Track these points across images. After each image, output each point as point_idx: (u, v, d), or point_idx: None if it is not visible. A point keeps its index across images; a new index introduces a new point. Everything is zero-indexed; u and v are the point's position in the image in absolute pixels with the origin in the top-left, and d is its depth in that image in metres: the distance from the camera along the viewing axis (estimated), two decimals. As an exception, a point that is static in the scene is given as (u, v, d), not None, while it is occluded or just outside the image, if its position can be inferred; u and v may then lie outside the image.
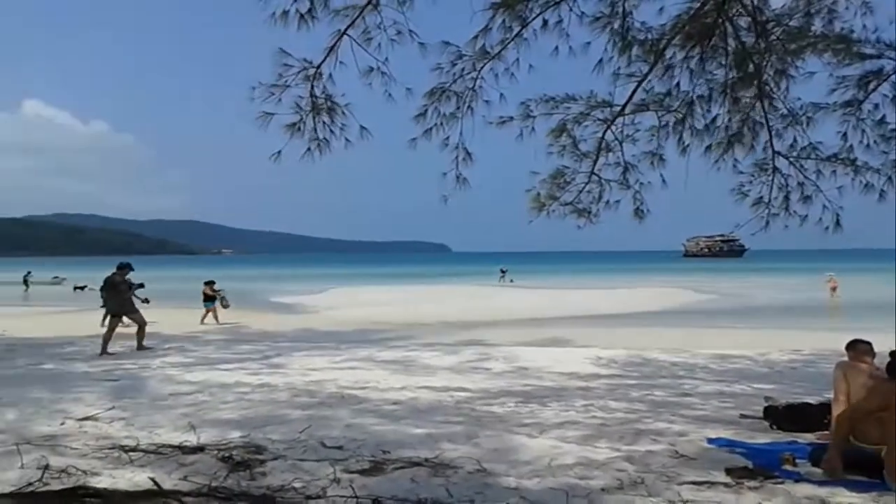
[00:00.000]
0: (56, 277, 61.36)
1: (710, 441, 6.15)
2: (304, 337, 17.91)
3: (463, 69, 7.75)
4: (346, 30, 6.69)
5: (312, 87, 7.11)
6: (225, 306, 22.78)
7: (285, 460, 5.41)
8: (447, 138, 7.95)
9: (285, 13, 6.45)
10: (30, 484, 4.70)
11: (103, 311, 20.32)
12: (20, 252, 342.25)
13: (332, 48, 6.80)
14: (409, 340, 16.60)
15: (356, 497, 4.45)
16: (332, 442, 6.07)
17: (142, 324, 14.19)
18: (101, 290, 14.98)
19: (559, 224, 8.86)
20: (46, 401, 8.23)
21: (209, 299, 22.45)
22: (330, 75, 7.13)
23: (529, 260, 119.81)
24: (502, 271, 61.32)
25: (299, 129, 7.24)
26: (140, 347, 13.84)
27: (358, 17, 6.64)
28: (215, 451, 5.68)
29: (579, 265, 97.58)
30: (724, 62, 7.60)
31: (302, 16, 6.48)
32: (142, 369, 10.95)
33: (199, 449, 5.78)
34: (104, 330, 14.09)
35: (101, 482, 4.78)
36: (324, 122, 7.34)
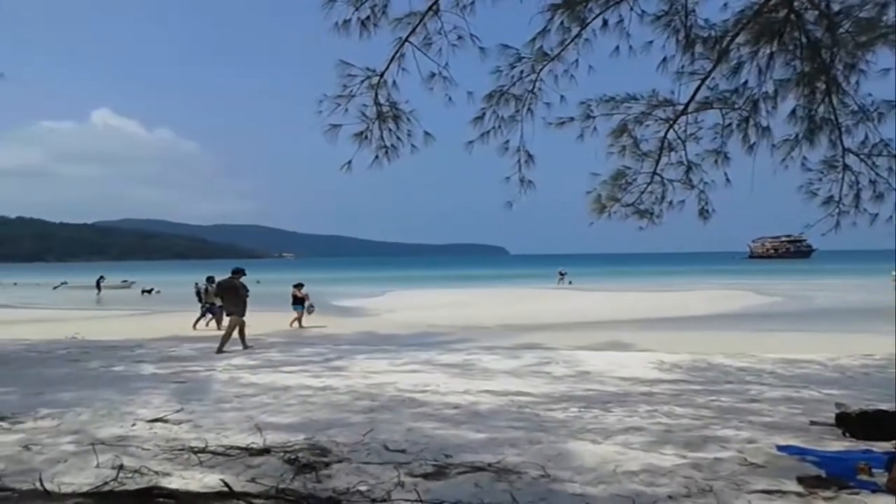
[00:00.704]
0: (125, 281, 63.34)
1: (780, 448, 5.97)
2: (364, 340, 18.06)
3: (522, 72, 7.71)
4: (407, 37, 6.75)
5: (377, 95, 7.18)
6: (310, 311, 22.36)
7: (349, 463, 5.47)
8: (507, 142, 7.92)
9: (346, 22, 6.53)
10: (105, 483, 4.86)
11: (198, 313, 20.80)
12: (93, 257, 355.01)
13: (394, 56, 6.86)
14: (468, 344, 16.59)
15: (421, 501, 4.47)
16: (395, 445, 6.11)
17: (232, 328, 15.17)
18: (217, 293, 16.83)
19: (619, 225, 8.73)
20: (118, 402, 8.52)
21: (298, 302, 22.14)
22: (393, 82, 7.19)
23: (588, 262, 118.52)
24: (561, 273, 60.80)
25: (366, 137, 7.31)
26: (222, 349, 14.52)
27: (419, 23, 6.68)
28: (281, 453, 5.77)
29: (640, 267, 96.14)
30: (792, 57, 7.38)
31: (363, 24, 6.55)
32: (207, 371, 11.20)
33: (266, 451, 5.88)
34: (192, 331, 16.64)
35: (173, 483, 4.90)
36: (389, 129, 7.40)
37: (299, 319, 21.77)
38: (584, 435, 6.56)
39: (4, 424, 7.16)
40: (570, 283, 56.81)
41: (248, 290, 15.80)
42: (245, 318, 15.30)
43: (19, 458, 5.78)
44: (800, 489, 4.79)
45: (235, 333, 14.82)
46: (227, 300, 15.80)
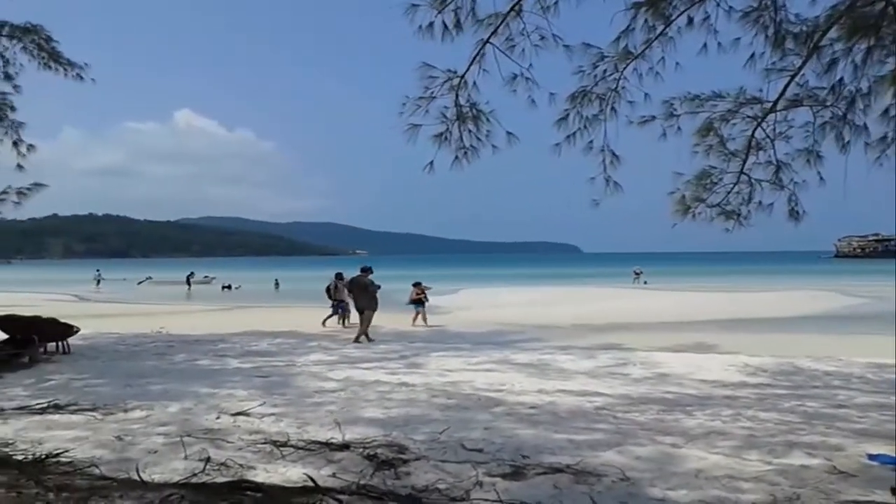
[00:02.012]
0: (206, 277, 65.34)
1: (871, 457, 5.74)
2: (438, 338, 18.15)
3: (605, 71, 7.60)
4: (489, 38, 6.75)
5: (457, 96, 7.21)
6: (426, 299, 22.08)
7: (427, 461, 5.51)
8: (591, 141, 7.82)
9: (431, 25, 6.58)
10: (194, 475, 5.02)
11: (330, 310, 20.89)
12: (175, 253, 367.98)
13: (475, 57, 6.87)
14: (542, 343, 16.48)
15: (501, 501, 4.47)
16: (472, 444, 6.13)
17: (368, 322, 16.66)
18: (348, 290, 17.96)
19: (697, 224, 8.52)
20: (203, 395, 8.80)
21: (417, 301, 21.96)
22: (474, 84, 7.21)
23: (664, 260, 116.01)
24: (636, 272, 59.79)
25: (446, 138, 7.35)
26: (358, 340, 16.11)
27: (501, 24, 6.67)
28: (361, 449, 5.86)
29: (718, 266, 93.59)
30: (888, 52, 7.06)
31: (446, 27, 6.59)
32: (288, 367, 11.45)
33: (346, 446, 5.98)
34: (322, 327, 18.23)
35: (257, 476, 5.04)
36: (469, 131, 7.42)
37: (423, 317, 21.64)
38: (664, 438, 6.45)
39: (98, 415, 7.49)
40: (645, 282, 55.84)
41: (376, 287, 17.00)
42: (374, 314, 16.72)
43: (113, 448, 6.03)
44: (894, 500, 4.60)
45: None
46: (358, 296, 17.00)
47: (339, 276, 21.06)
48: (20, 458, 5.55)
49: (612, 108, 7.76)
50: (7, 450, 5.85)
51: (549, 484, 4.91)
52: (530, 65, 7.07)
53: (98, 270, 71.84)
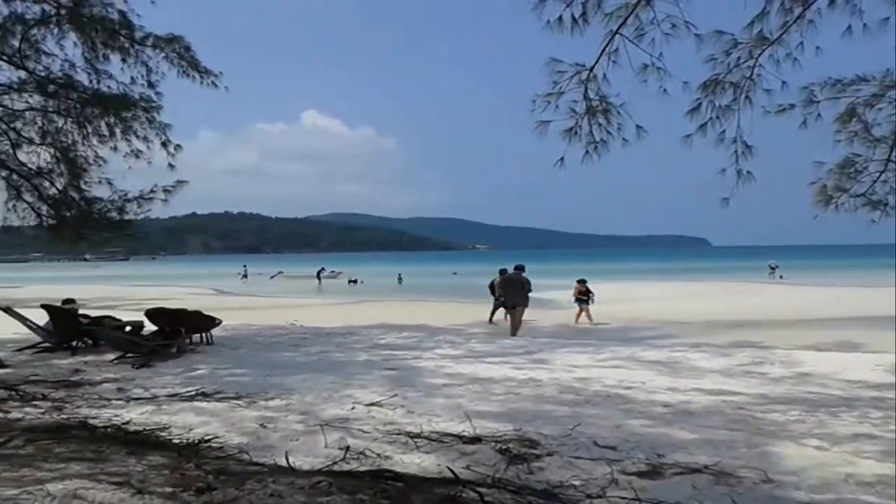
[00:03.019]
0: (334, 272, 67.69)
1: None
2: (563, 333, 18.03)
3: (739, 58, 7.32)
4: (618, 29, 6.66)
5: (586, 90, 7.15)
6: (592, 302, 21.62)
7: (560, 457, 5.51)
8: (723, 132, 7.56)
9: (560, 19, 6.56)
10: (335, 463, 5.24)
11: (494, 304, 21.04)
12: (304, 248, 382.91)
13: (604, 49, 6.79)
14: (672, 340, 16.06)
15: (639, 500, 4.41)
16: (604, 441, 6.07)
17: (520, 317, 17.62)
18: (501, 286, 18.78)
19: (839, 215, 8.07)
20: (338, 385, 9.12)
21: (581, 298, 21.52)
22: (604, 76, 7.13)
23: (801, 254, 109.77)
24: (771, 267, 57.12)
25: (576, 132, 7.30)
26: (515, 334, 16.94)
27: (630, 14, 6.56)
28: (492, 443, 5.92)
29: (861, 259, 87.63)
30: None
31: (575, 20, 6.55)
32: (416, 359, 11.68)
33: (477, 439, 6.06)
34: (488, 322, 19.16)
35: (394, 465, 5.19)
36: (599, 124, 7.34)
37: (588, 315, 21.30)
38: (807, 440, 6.16)
39: (242, 403, 7.92)
40: (781, 276, 53.28)
41: (531, 285, 17.83)
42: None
43: (258, 435, 6.37)
44: None
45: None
46: (512, 293, 17.83)
47: (502, 272, 20.49)
48: (177, 441, 5.97)
49: (747, 97, 7.47)
50: (164, 434, 6.30)
51: (688, 484, 4.81)
52: (661, 54, 6.93)
53: (245, 266, 76.42)
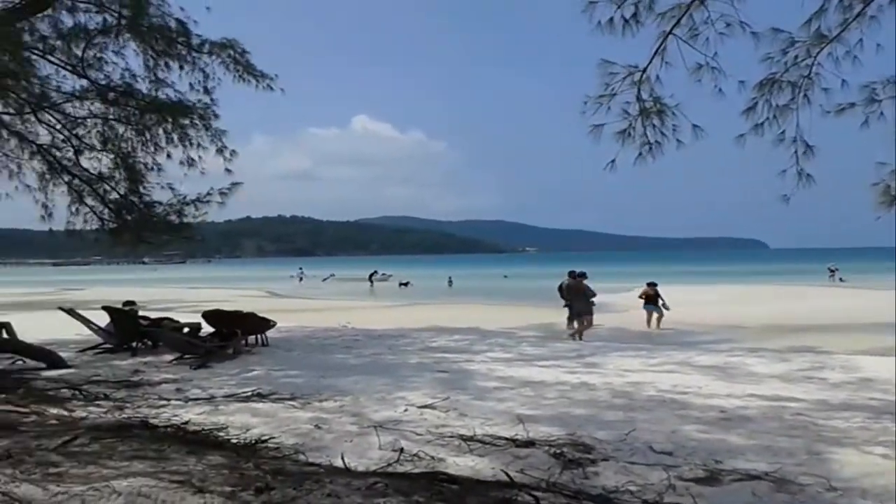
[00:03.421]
0: (384, 274, 68.26)
1: None
2: (614, 336, 17.85)
3: (796, 56, 7.17)
4: (671, 29, 6.59)
5: (639, 91, 7.08)
6: (666, 308, 20.82)
7: (616, 462, 5.46)
8: (782, 132, 7.40)
9: (611, 21, 6.52)
10: (389, 465, 5.28)
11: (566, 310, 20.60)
12: (356, 251, 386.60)
13: (657, 50, 6.73)
14: (728, 344, 15.78)
15: (697, 507, 4.35)
16: (660, 447, 5.98)
17: (590, 323, 17.75)
18: (563, 293, 18.72)
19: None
20: (390, 387, 9.18)
21: (651, 301, 20.81)
22: (657, 77, 7.05)
23: (862, 256, 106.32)
24: (831, 270, 55.58)
25: (629, 134, 7.24)
26: (581, 337, 16.97)
27: (684, 14, 6.48)
28: (546, 447, 5.89)
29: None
30: None
31: (626, 21, 6.50)
32: (468, 362, 11.69)
33: (531, 443, 6.04)
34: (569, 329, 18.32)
35: (448, 468, 5.20)
36: (653, 125, 7.26)
37: (658, 319, 20.55)
38: (872, 448, 5.98)
39: (296, 404, 8.03)
40: (841, 279, 51.82)
41: (594, 292, 18.02)
42: (592, 318, 17.80)
43: (312, 436, 6.45)
44: None
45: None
46: (574, 300, 17.97)
47: (571, 275, 19.63)
48: (235, 441, 6.09)
49: (805, 96, 7.31)
50: (222, 434, 6.42)
51: (747, 491, 4.71)
52: (715, 53, 6.83)
53: (301, 268, 77.80)
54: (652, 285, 21.08)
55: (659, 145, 7.27)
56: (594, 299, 18.09)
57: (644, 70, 6.97)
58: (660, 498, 4.53)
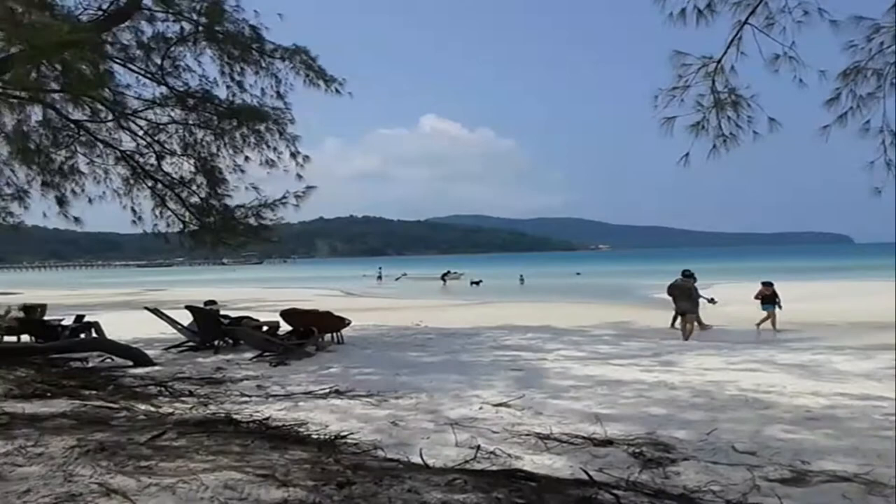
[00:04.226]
0: (456, 273, 68.57)
1: None
2: (693, 335, 17.48)
3: (882, 43, 6.88)
4: (747, 19, 6.42)
5: (714, 82, 6.92)
6: (779, 307, 19.75)
7: (697, 461, 5.36)
8: (867, 122, 7.11)
9: (682, 11, 6.40)
10: (466, 462, 5.31)
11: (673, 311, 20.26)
12: (426, 250, 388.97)
13: (732, 40, 6.56)
14: (811, 342, 15.29)
15: (784, 508, 4.24)
16: (743, 447, 5.85)
17: (696, 322, 17.75)
18: (669, 293, 18.45)
19: None
20: (464, 385, 9.23)
21: (768, 301, 19.70)
22: (732, 68, 6.88)
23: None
24: (918, 266, 53.15)
25: (703, 127, 7.08)
26: (686, 338, 16.81)
27: (759, 4, 6.31)
28: (625, 446, 5.83)
29: None
30: None
31: (700, 11, 6.37)
32: (541, 361, 11.65)
33: (609, 442, 5.98)
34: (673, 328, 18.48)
35: (525, 466, 5.20)
36: (728, 118, 7.08)
37: (772, 319, 19.54)
38: (969, 451, 5.71)
39: (373, 401, 8.16)
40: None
41: (699, 293, 18.00)
42: (699, 319, 17.82)
43: (390, 433, 6.54)
44: None
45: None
46: (680, 299, 17.85)
47: (685, 273, 19.22)
48: (315, 437, 6.23)
49: (892, 84, 7.01)
50: (303, 430, 6.57)
51: (837, 493, 4.56)
52: (793, 43, 6.62)
53: (380, 267, 78.95)
54: (767, 284, 19.99)
55: (734, 138, 7.08)
56: (701, 300, 18.05)
57: (719, 61, 6.80)
58: (744, 498, 4.42)
